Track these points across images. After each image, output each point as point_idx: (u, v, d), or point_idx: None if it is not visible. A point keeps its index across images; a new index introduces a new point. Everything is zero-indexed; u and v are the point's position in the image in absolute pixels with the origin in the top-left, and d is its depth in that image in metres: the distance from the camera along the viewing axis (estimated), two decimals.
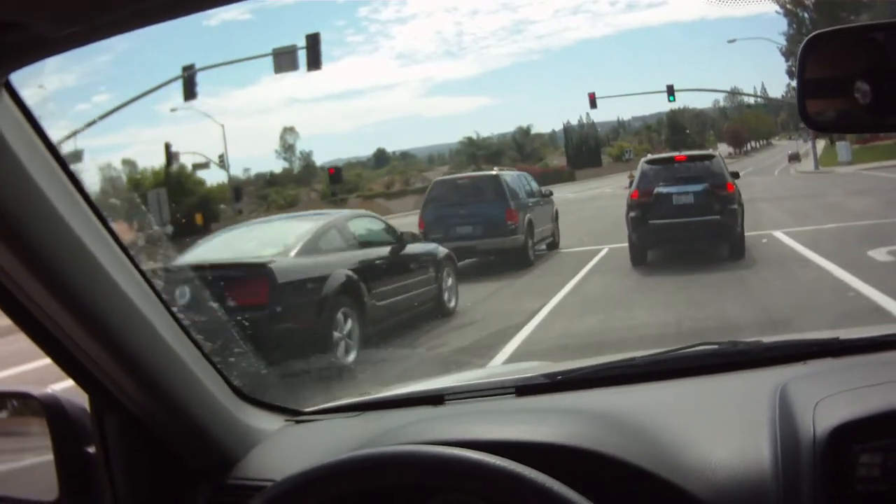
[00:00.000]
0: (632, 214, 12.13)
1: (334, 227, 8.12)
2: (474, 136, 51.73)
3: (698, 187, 11.97)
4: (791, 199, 21.40)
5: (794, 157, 56.88)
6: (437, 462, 1.25)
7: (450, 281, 9.27)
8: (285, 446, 1.73)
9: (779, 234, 13.38)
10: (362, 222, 8.74)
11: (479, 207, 12.17)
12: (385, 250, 8.35)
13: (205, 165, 38.24)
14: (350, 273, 7.51)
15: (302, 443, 1.75)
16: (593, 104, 31.41)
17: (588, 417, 1.54)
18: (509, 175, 13.76)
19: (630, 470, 1.39)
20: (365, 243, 8.29)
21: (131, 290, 1.41)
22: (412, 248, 8.74)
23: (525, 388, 1.76)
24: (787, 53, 48.39)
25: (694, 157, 13.28)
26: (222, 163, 36.78)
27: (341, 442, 1.60)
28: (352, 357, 7.15)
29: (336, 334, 7.11)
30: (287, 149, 57.73)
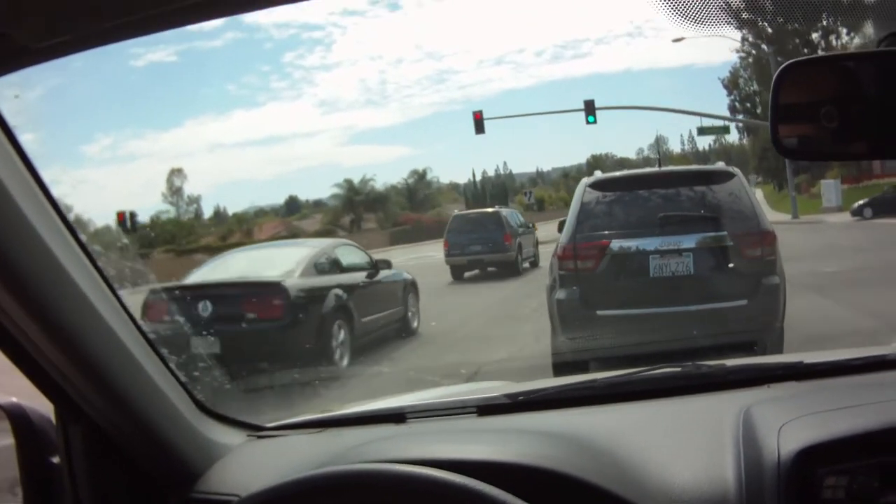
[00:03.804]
0: (559, 295, 6.25)
1: (325, 253, 9.09)
2: (355, 182, 49.83)
3: (704, 239, 6.17)
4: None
5: None
6: (399, 480, 1.23)
7: (413, 303, 10.07)
8: (247, 461, 1.68)
9: None
10: (346, 249, 9.73)
11: (485, 233, 16.61)
12: (364, 274, 9.18)
13: None
14: (341, 292, 8.34)
15: (264, 458, 1.71)
16: (479, 127, 26.18)
17: (550, 438, 1.51)
18: (506, 210, 18.81)
19: (593, 491, 1.36)
20: (348, 268, 9.12)
21: (99, 303, 1.39)
22: (384, 273, 9.55)
23: (486, 408, 1.73)
24: (729, 87, 47.75)
25: (690, 176, 6.98)
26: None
27: (302, 458, 1.58)
28: (346, 362, 7.96)
29: (334, 343, 7.98)
30: (174, 192, 54.47)
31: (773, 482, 1.31)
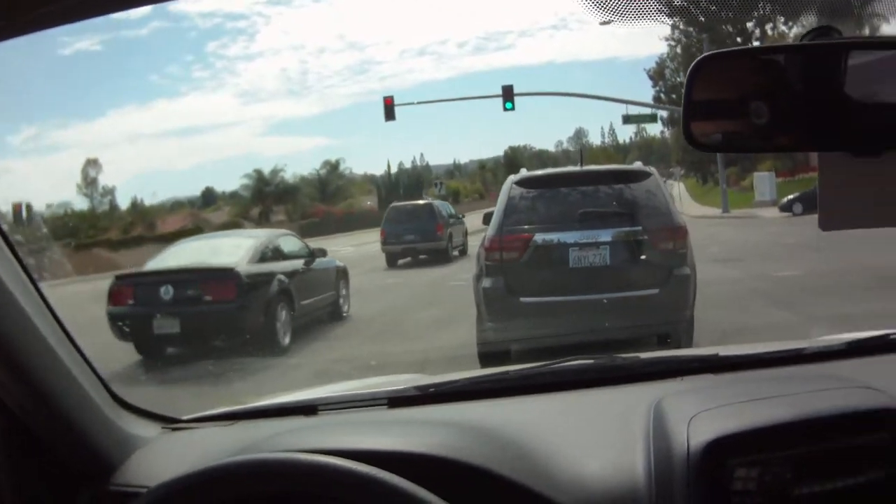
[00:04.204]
0: (485, 283, 6.75)
1: (269, 242, 10.06)
2: (265, 172, 47.65)
3: (620, 233, 6.72)
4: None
5: None
6: (303, 469, 1.24)
7: (344, 290, 10.99)
8: (162, 454, 1.67)
9: None
10: (286, 239, 10.71)
11: (419, 223, 17.68)
12: (302, 262, 10.11)
13: None
14: (283, 278, 9.26)
15: (177, 450, 1.70)
16: (390, 113, 24.81)
17: (460, 429, 1.53)
18: (438, 202, 20.10)
19: (501, 482, 1.37)
20: (289, 255, 10.07)
21: (17, 293, 1.39)
22: (320, 261, 10.50)
23: (397, 400, 1.73)
24: (654, 77, 46.28)
25: (609, 175, 7.55)
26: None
27: (216, 450, 1.56)
28: (287, 340, 8.85)
29: (278, 324, 8.88)
30: (89, 183, 51.45)
31: (683, 473, 1.31)
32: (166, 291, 8.49)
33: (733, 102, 1.22)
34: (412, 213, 18.47)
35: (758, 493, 1.33)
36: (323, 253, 10.84)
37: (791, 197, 25.52)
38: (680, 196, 31.38)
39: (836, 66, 1.17)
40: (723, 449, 1.34)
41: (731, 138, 1.25)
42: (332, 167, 51.96)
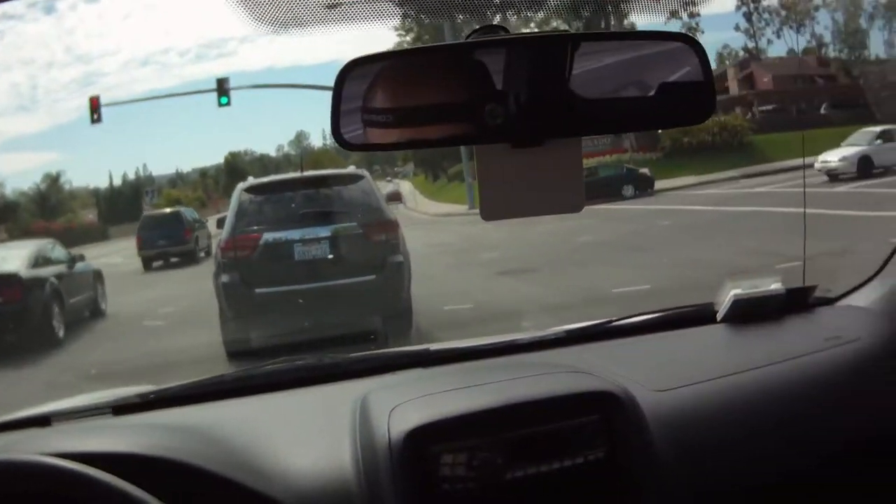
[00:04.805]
0: (223, 279, 7.64)
1: (40, 250, 11.78)
2: None
3: (338, 228, 7.77)
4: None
5: (395, 197, 40.79)
6: (23, 469, 1.26)
7: (101, 289, 12.89)
8: None
9: None
10: (53, 247, 12.46)
11: (169, 229, 19.15)
12: (66, 266, 11.89)
13: None
14: (54, 280, 11.00)
15: None
16: (96, 114, 22.11)
17: (178, 431, 1.57)
18: (186, 210, 21.49)
19: (215, 479, 1.42)
20: (56, 261, 11.80)
21: None
22: (80, 265, 12.32)
23: (121, 408, 1.77)
24: None
25: (327, 179, 8.83)
26: None
27: None
28: (62, 333, 10.57)
29: (55, 322, 10.60)
30: None
31: (387, 463, 1.38)
32: None
33: (383, 103, 1.21)
34: (163, 221, 20.15)
35: (469, 479, 1.39)
36: (82, 258, 12.73)
37: None
38: (414, 195, 32.80)
39: (499, 62, 1.18)
40: (424, 437, 1.39)
41: (381, 137, 1.22)
42: (53, 180, 49.10)
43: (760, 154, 20.80)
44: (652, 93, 1.25)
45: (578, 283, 9.34)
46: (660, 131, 21.66)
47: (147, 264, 19.31)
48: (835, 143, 17.34)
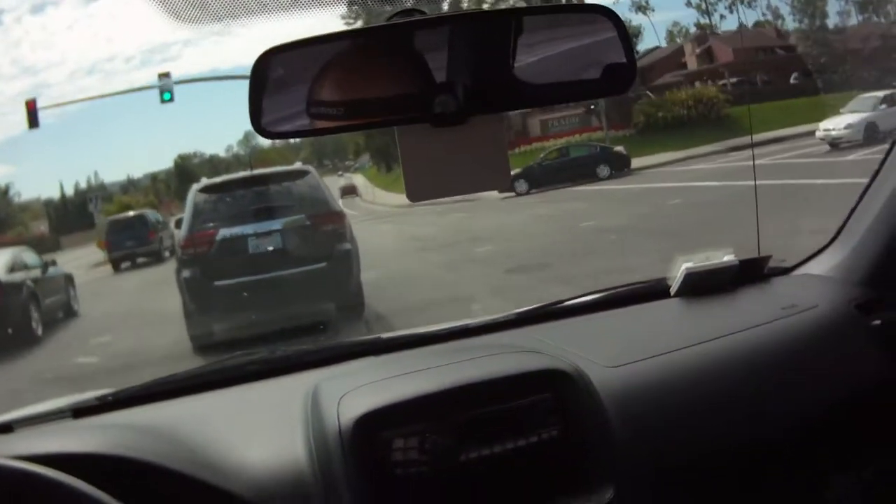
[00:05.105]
0: (185, 274, 8.25)
1: (15, 256, 12.68)
2: None
3: (288, 222, 8.27)
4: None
5: (350, 190, 41.26)
6: None
7: (73, 292, 13.86)
8: None
9: None
10: (27, 253, 13.37)
11: (134, 232, 20.16)
12: (40, 270, 12.86)
13: None
14: (31, 283, 11.99)
15: None
16: (33, 118, 20.58)
17: (136, 431, 1.57)
18: (149, 212, 22.24)
19: (174, 476, 1.42)
20: (31, 266, 12.75)
21: None
22: (52, 269, 13.27)
23: (80, 410, 1.78)
24: None
25: (275, 176, 9.26)
26: None
27: None
28: (40, 331, 11.61)
29: (34, 323, 11.61)
30: None
31: (338, 451, 1.38)
32: None
33: (300, 89, 1.21)
34: (128, 224, 21.12)
35: (422, 463, 1.39)
36: (54, 263, 13.71)
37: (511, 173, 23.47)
38: (370, 187, 32.10)
39: (417, 44, 1.20)
40: (374, 422, 1.40)
41: (301, 125, 1.23)
42: (2, 194, 48.27)
43: (739, 126, 18.88)
44: (572, 66, 1.27)
45: (616, 277, 7.35)
46: (634, 106, 21.57)
47: (116, 266, 20.35)
48: (815, 113, 16.53)
